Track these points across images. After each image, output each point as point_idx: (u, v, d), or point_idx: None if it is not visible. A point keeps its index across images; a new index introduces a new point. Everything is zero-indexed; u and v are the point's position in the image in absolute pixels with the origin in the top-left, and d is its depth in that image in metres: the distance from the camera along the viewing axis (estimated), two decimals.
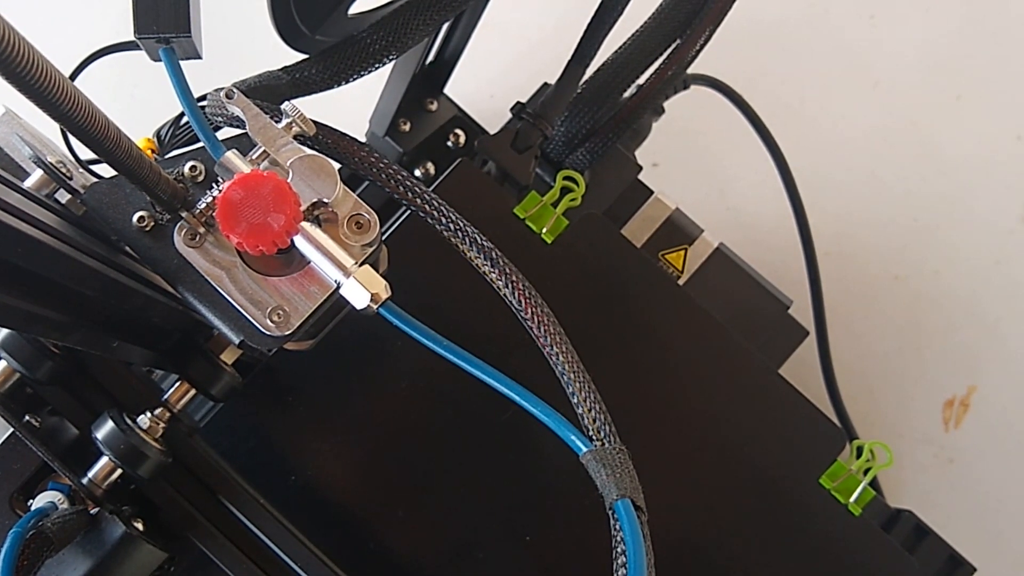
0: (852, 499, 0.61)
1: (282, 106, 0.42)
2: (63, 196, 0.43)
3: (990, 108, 1.09)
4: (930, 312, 1.03)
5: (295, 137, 0.41)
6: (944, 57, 1.10)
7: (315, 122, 0.44)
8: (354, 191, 0.41)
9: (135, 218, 0.40)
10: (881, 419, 1.00)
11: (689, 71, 0.71)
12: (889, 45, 1.11)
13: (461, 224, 0.41)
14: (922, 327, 1.03)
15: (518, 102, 0.71)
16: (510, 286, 0.40)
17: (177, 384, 0.49)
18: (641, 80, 0.70)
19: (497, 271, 0.40)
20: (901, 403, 1.01)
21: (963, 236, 1.05)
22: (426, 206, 0.42)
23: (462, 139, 0.88)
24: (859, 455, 0.62)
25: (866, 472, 0.61)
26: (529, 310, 0.40)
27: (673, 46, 0.69)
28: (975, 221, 1.06)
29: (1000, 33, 1.11)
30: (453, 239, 0.42)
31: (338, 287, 0.39)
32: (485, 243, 0.40)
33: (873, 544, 0.61)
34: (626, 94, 0.71)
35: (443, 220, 0.42)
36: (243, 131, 0.41)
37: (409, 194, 0.43)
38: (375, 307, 0.39)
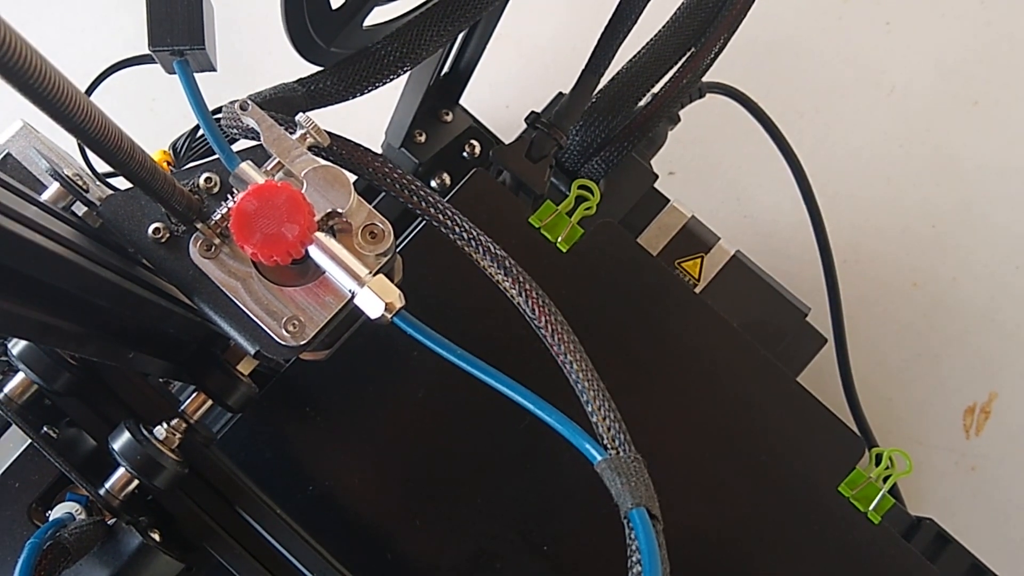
0: (871, 507, 0.60)
1: (297, 118, 0.42)
2: (80, 208, 0.44)
3: (1007, 113, 1.08)
4: (949, 319, 1.03)
5: (309, 148, 0.41)
6: (960, 63, 1.10)
7: (329, 133, 0.44)
8: (371, 203, 0.41)
9: (151, 230, 0.41)
10: (901, 427, 0.99)
11: (704, 79, 0.71)
12: (905, 52, 1.10)
13: (475, 233, 0.41)
14: (941, 334, 1.02)
15: (533, 112, 0.71)
16: (523, 295, 0.40)
17: (194, 395, 0.49)
18: (656, 88, 0.70)
19: (511, 280, 0.40)
20: (921, 410, 1.00)
21: (981, 242, 1.05)
22: (439, 216, 0.42)
23: (477, 149, 0.88)
24: (878, 463, 0.61)
25: (885, 480, 0.61)
26: (543, 319, 0.40)
27: (688, 54, 0.69)
28: (993, 227, 1.05)
29: (1016, 38, 1.11)
30: (467, 248, 0.42)
31: (352, 297, 0.39)
32: (499, 252, 0.40)
33: (893, 553, 0.60)
34: (641, 103, 0.71)
35: (456, 229, 0.42)
36: (258, 143, 0.41)
37: (423, 204, 0.43)
38: (389, 316, 0.39)
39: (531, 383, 0.40)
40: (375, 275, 0.39)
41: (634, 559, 0.36)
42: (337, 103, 0.57)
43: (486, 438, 0.60)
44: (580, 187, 0.63)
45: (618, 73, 0.70)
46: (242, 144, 0.43)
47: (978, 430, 1.00)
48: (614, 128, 0.70)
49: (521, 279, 0.40)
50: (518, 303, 0.39)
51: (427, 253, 0.60)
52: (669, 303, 0.64)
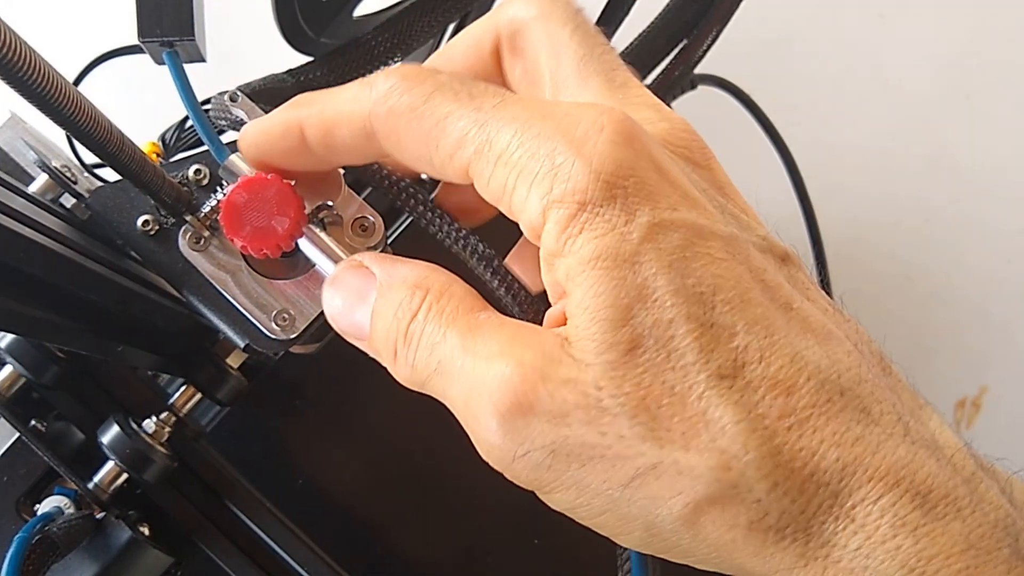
0: None
1: None
2: (68, 200, 0.43)
3: (1001, 107, 1.08)
4: (941, 313, 1.03)
5: None
6: (955, 56, 1.10)
7: None
8: (361, 195, 0.41)
9: (139, 222, 0.40)
10: None
11: (697, 71, 0.71)
12: (899, 44, 1.10)
13: (463, 233, 0.41)
14: (932, 328, 1.02)
15: None
16: (511, 296, 0.40)
17: (183, 388, 0.49)
18: (648, 80, 0.70)
19: (498, 280, 0.39)
20: None
21: (974, 236, 1.05)
22: (428, 213, 0.42)
23: None
24: None
25: None
26: (531, 316, 0.40)
27: (680, 46, 0.68)
28: (986, 221, 1.05)
29: (1011, 32, 1.11)
30: (454, 248, 0.42)
31: None
32: (487, 251, 0.40)
33: None
34: None
35: (445, 228, 0.42)
36: None
37: (412, 201, 0.42)
38: None
39: None
40: None
41: (624, 556, 0.36)
42: None
43: None
44: None
45: None
46: (232, 135, 0.43)
47: (968, 424, 1.00)
48: None
49: (509, 279, 0.39)
50: (506, 303, 0.39)
51: (419, 246, 0.60)
52: None
